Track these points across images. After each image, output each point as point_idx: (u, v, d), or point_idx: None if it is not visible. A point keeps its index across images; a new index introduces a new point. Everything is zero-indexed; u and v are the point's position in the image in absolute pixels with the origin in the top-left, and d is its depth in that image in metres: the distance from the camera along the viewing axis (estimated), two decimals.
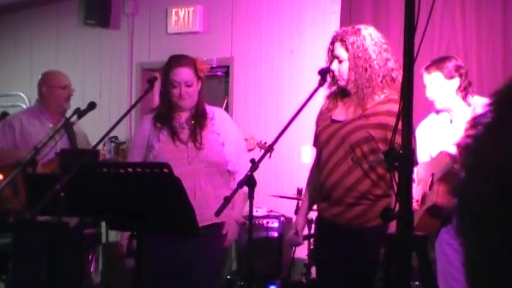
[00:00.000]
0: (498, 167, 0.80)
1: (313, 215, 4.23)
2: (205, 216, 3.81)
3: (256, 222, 5.93)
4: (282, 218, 6.13)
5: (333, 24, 6.41)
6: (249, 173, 3.35)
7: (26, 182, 4.41)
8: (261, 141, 5.25)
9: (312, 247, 5.40)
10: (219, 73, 7.40)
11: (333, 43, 3.72)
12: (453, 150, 4.13)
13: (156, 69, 7.74)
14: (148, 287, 4.09)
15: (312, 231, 5.00)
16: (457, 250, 4.23)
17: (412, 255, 2.53)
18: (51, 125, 5.15)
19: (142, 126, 4.37)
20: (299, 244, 4.05)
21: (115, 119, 3.99)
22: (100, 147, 4.71)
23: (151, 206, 3.50)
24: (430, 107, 4.54)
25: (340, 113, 3.71)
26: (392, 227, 2.85)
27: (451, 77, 4.29)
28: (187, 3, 7.47)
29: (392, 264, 2.50)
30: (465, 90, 4.31)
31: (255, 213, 4.94)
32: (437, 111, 4.42)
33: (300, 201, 5.18)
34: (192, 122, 4.23)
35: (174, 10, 7.55)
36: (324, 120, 3.78)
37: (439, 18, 5.77)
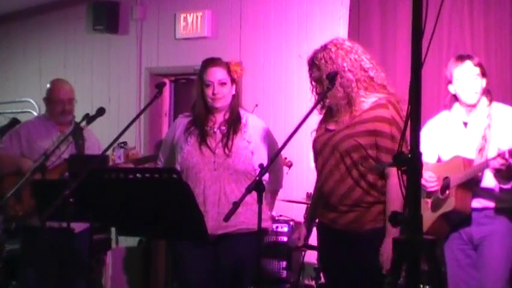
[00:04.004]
0: None
1: None
2: (230, 222, 3.79)
3: None
4: (291, 223, 6.13)
5: (341, 28, 6.41)
6: (257, 178, 3.35)
7: (35, 188, 4.42)
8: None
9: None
10: None
11: (310, 69, 3.77)
12: (469, 155, 4.09)
13: (165, 75, 7.78)
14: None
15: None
16: (468, 255, 4.21)
17: (421, 259, 2.53)
18: (58, 133, 5.17)
19: (175, 125, 4.44)
20: (297, 248, 4.12)
21: (124, 125, 3.98)
22: (109, 152, 4.72)
23: (160, 212, 3.50)
24: (435, 109, 4.50)
25: (333, 122, 3.75)
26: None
27: (484, 75, 4.24)
28: (195, 9, 7.48)
29: (401, 268, 2.49)
30: (489, 93, 4.26)
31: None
32: (450, 108, 4.34)
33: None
34: (224, 127, 4.25)
35: (182, 15, 7.55)
36: (320, 129, 3.83)
37: (447, 22, 5.76)
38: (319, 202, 3.81)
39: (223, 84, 4.24)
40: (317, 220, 3.93)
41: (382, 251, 3.54)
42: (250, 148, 4.23)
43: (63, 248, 4.78)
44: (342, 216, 3.67)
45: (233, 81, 4.29)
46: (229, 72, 4.27)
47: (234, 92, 4.30)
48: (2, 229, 5.70)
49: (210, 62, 4.30)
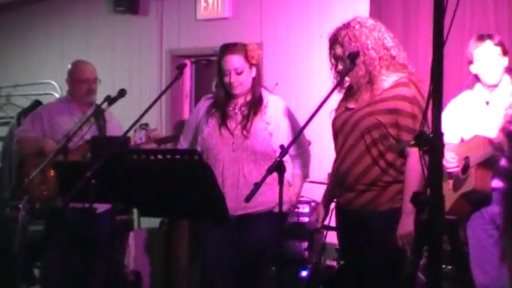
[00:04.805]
0: None
1: None
2: (250, 204, 3.81)
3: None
4: (312, 204, 6.12)
5: (362, 7, 6.36)
6: (278, 159, 3.35)
7: (57, 170, 4.45)
8: None
9: None
10: None
11: (331, 46, 3.74)
12: (491, 134, 4.05)
13: (186, 56, 7.77)
14: (205, 273, 4.32)
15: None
16: (490, 235, 4.18)
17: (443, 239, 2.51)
18: (80, 114, 5.19)
19: (197, 107, 4.47)
20: (316, 230, 4.12)
21: (145, 106, 3.99)
22: (131, 134, 4.73)
23: (182, 193, 3.51)
24: (458, 88, 4.47)
25: (353, 100, 3.74)
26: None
27: (505, 53, 4.19)
28: None
29: (423, 248, 2.48)
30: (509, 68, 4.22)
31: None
32: (472, 88, 4.30)
33: None
34: (245, 109, 4.25)
35: None
36: (339, 108, 3.82)
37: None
38: (337, 182, 3.79)
39: (240, 72, 4.22)
40: (335, 200, 3.92)
41: (400, 234, 3.52)
42: (269, 129, 4.23)
43: (85, 228, 4.81)
44: (358, 196, 3.66)
45: (252, 65, 4.27)
46: (246, 57, 4.24)
47: (254, 75, 4.29)
48: (26, 210, 5.74)
49: (227, 49, 4.27)
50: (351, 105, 3.73)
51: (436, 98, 2.42)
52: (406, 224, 3.50)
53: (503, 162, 4.03)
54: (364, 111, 3.64)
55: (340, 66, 3.71)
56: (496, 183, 4.07)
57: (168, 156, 3.53)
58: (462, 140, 4.32)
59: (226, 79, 4.22)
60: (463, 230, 4.32)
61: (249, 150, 4.18)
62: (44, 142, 5.10)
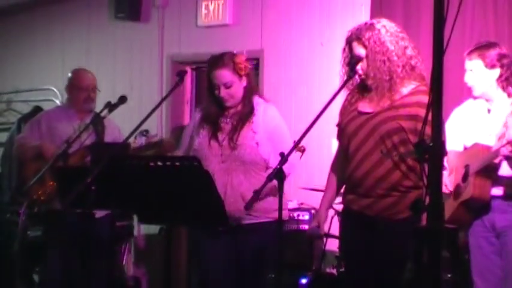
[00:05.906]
0: None
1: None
2: (239, 215, 3.79)
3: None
4: (312, 211, 6.11)
5: (363, 15, 6.36)
6: (278, 166, 3.35)
7: (57, 176, 4.46)
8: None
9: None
10: None
11: (349, 43, 3.68)
12: (490, 142, 4.05)
13: (187, 62, 7.78)
14: (204, 282, 4.33)
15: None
16: (491, 243, 4.18)
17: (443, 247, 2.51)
18: (79, 121, 5.21)
19: (193, 116, 4.47)
20: (320, 237, 4.05)
21: (146, 112, 3.99)
22: (131, 140, 4.74)
23: (181, 199, 3.52)
24: (458, 97, 4.48)
25: (366, 105, 3.69)
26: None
27: (493, 66, 4.18)
28: None
29: (422, 256, 2.48)
30: (506, 81, 4.20)
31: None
32: (475, 97, 4.31)
33: None
34: (235, 119, 4.23)
35: (204, 3, 7.54)
36: (349, 112, 3.75)
37: (471, 6, 5.69)
38: (350, 188, 3.73)
39: (229, 86, 4.21)
40: (342, 208, 3.89)
41: None
42: (256, 139, 4.18)
43: (84, 232, 4.81)
44: (377, 201, 3.60)
45: (242, 76, 4.24)
46: (235, 69, 4.22)
47: (245, 84, 4.26)
48: (25, 216, 5.75)
49: (214, 64, 4.24)
50: (366, 109, 3.68)
51: (436, 106, 2.42)
52: None
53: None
54: (385, 115, 3.59)
55: (361, 65, 3.63)
56: (495, 191, 4.08)
57: (168, 163, 3.54)
58: (465, 148, 4.32)
59: (217, 92, 4.22)
60: (464, 237, 4.31)
61: (238, 161, 4.16)
62: (44, 147, 5.11)
